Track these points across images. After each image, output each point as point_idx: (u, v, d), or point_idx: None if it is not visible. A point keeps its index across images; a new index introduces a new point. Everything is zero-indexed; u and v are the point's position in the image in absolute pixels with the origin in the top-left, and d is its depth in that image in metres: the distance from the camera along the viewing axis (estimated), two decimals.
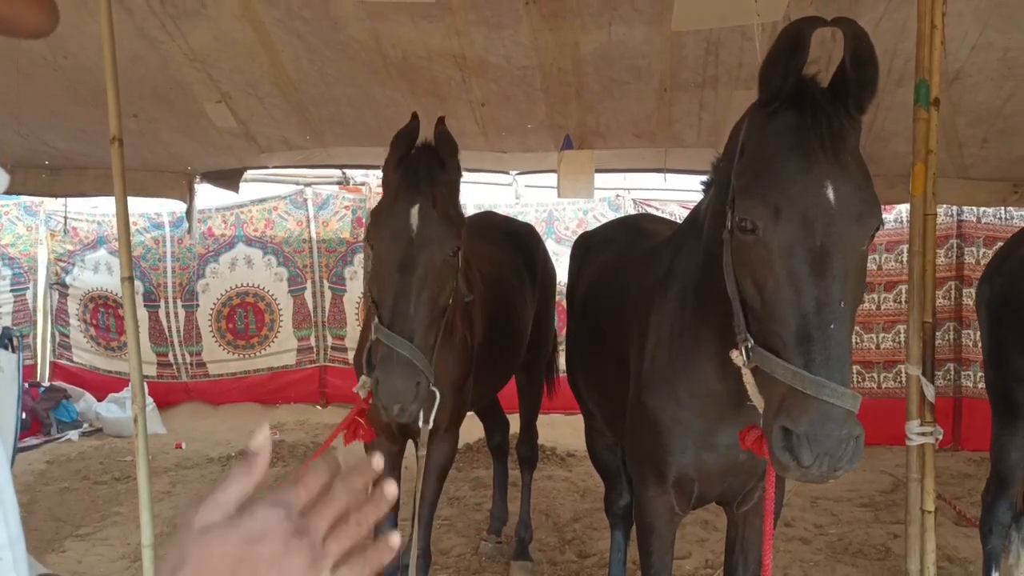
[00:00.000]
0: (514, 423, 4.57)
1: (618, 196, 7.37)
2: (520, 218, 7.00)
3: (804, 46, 1.54)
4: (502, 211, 6.97)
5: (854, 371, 6.63)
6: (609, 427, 3.01)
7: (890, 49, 3.73)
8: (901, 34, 3.66)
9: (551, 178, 5.70)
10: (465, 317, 3.13)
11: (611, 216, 6.98)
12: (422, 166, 2.55)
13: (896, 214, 6.45)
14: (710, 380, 2.04)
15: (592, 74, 4.56)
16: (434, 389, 2.59)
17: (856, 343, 6.64)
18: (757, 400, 1.62)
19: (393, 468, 3.20)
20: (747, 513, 2.32)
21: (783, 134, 1.58)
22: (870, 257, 6.51)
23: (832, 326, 1.48)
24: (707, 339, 2.01)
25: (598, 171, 5.46)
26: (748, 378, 1.63)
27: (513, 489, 4.53)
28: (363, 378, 2.76)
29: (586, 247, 3.51)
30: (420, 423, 2.69)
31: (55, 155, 5.74)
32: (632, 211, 7.12)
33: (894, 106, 4.10)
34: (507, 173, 6.06)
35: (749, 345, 1.59)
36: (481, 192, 6.92)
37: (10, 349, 0.72)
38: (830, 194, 1.52)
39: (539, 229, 6.75)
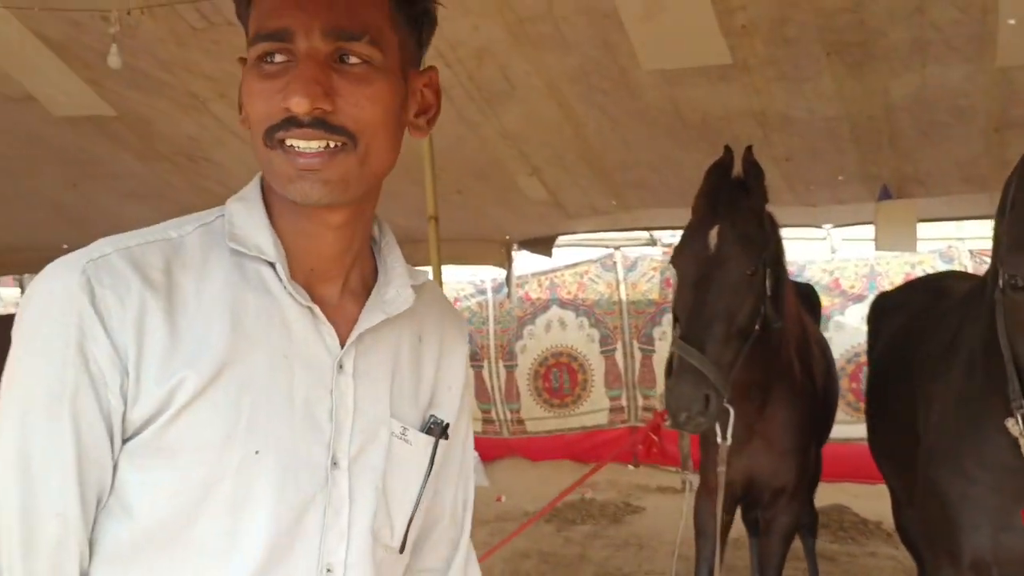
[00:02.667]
0: None
1: (950, 247, 6.74)
2: (836, 274, 6.69)
3: None
4: (817, 266, 6.70)
5: None
6: (906, 501, 2.78)
7: None
8: None
9: (871, 230, 5.39)
10: (806, 372, 3.14)
11: (943, 269, 6.41)
12: (725, 192, 2.70)
13: None
14: (1003, 453, 1.84)
15: (906, 119, 4.29)
16: (728, 406, 2.60)
17: None
18: None
19: (722, 538, 3.22)
20: None
21: None
22: None
23: None
24: (998, 408, 1.81)
25: (923, 221, 5.09)
26: None
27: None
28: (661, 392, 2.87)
29: (882, 310, 3.31)
30: (718, 439, 2.74)
31: (397, 230, 6.45)
32: (967, 262, 6.47)
33: None
34: (819, 227, 5.82)
35: None
36: (793, 248, 6.67)
37: (435, 435, 0.93)
38: None
39: (860, 285, 6.40)
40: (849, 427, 5.16)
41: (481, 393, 8.11)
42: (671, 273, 7.23)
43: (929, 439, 2.13)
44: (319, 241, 1.00)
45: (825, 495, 5.94)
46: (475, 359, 8.07)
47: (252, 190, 1.01)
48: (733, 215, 2.62)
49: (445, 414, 1.11)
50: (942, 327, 2.26)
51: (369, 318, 1.02)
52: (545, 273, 7.84)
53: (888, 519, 5.67)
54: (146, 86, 4.89)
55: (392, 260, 1.10)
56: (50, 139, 5.54)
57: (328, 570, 0.97)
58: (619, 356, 7.69)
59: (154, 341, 0.88)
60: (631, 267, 7.63)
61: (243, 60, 0.96)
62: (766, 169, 4.84)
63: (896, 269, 6.72)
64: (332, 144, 0.91)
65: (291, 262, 0.97)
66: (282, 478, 0.93)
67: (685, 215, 3.04)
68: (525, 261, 7.01)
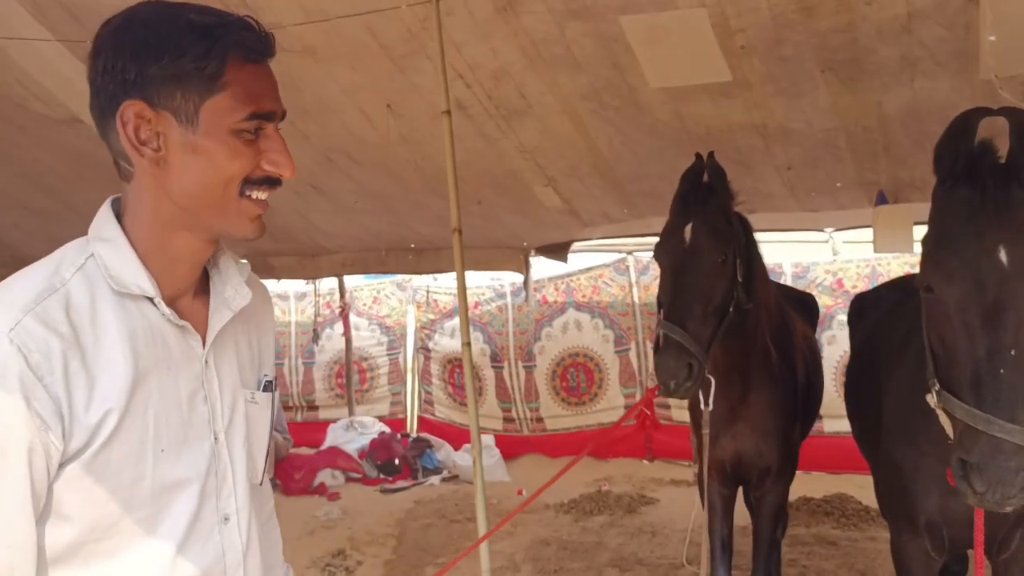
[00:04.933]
0: None
1: None
2: (840, 274, 6.94)
3: (971, 133, 1.71)
4: (820, 268, 6.96)
5: None
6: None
7: None
8: None
9: (871, 233, 5.65)
10: (786, 361, 3.46)
11: None
12: (695, 193, 3.03)
13: None
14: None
15: (900, 130, 4.55)
16: (709, 377, 2.96)
17: None
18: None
19: (726, 511, 3.54)
20: (1007, 561, 2.30)
21: (957, 206, 1.75)
22: None
23: (1002, 371, 1.66)
24: None
25: (921, 224, 5.31)
26: (943, 418, 1.78)
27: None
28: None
29: (859, 309, 3.60)
30: (702, 406, 3.11)
31: (419, 239, 6.80)
32: None
33: None
34: (821, 231, 6.09)
35: (936, 388, 1.75)
36: (796, 250, 6.93)
37: (269, 390, 1.19)
38: (1002, 257, 1.69)
39: (862, 285, 6.64)
40: None
41: (502, 393, 8.40)
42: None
43: (888, 418, 2.44)
44: (190, 266, 1.21)
45: (831, 485, 6.22)
46: (495, 360, 8.36)
47: (112, 230, 1.16)
48: (703, 212, 2.95)
49: (269, 370, 1.38)
50: (903, 321, 2.58)
51: (219, 318, 1.25)
52: (561, 277, 8.12)
53: None
54: None
55: (224, 261, 1.29)
56: (96, 157, 5.90)
57: (226, 519, 1.23)
58: (633, 355, 7.95)
59: (78, 386, 1.06)
60: (643, 270, 7.89)
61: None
62: (769, 178, 5.17)
63: (897, 269, 6.95)
64: None
65: (160, 289, 1.16)
66: (184, 462, 1.17)
67: None
68: (542, 266, 7.32)
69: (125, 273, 1.13)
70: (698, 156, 3.19)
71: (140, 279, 1.14)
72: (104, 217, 1.18)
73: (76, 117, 5.41)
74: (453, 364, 8.59)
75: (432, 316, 8.84)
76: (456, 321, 8.44)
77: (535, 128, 4.87)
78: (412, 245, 6.96)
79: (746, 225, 3.26)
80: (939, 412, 1.81)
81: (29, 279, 1.10)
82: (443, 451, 8.07)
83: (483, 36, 4.08)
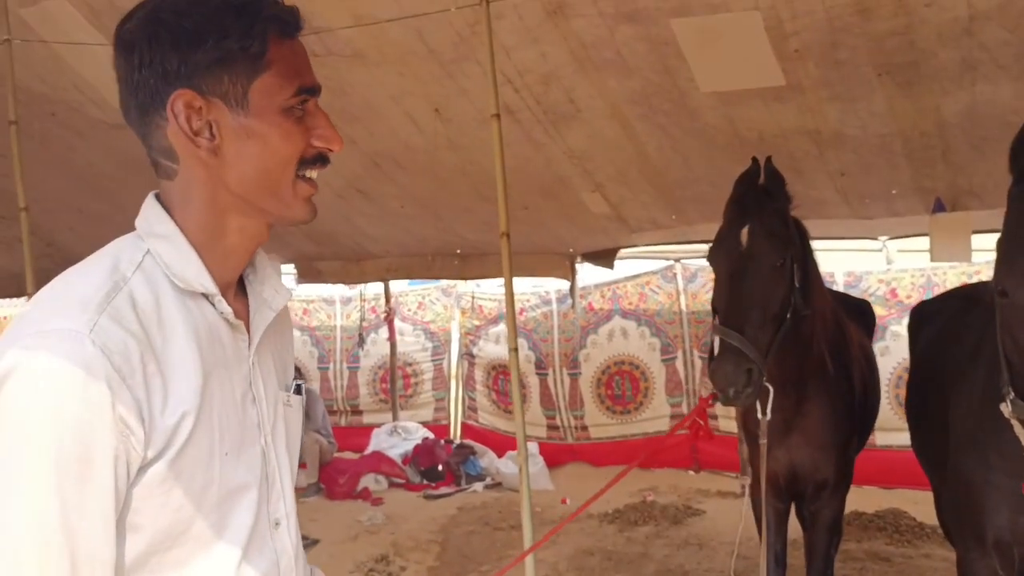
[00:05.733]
0: None
1: None
2: (894, 284, 6.79)
3: None
4: (874, 277, 6.81)
5: None
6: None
7: None
8: None
9: (927, 241, 5.51)
10: (842, 370, 3.35)
11: None
12: (752, 197, 2.98)
13: None
14: (1018, 443, 2.05)
15: (959, 135, 4.43)
16: (767, 385, 2.85)
17: None
18: None
19: (780, 525, 3.46)
20: None
21: None
22: None
23: None
24: None
25: (980, 232, 5.19)
26: (1018, 429, 1.69)
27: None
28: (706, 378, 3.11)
29: (920, 317, 3.49)
30: (759, 415, 3.00)
31: (464, 244, 6.79)
32: None
33: None
34: (875, 239, 5.95)
35: (1011, 397, 1.66)
36: (849, 258, 6.79)
37: (300, 393, 1.16)
38: None
39: (917, 295, 6.48)
40: (908, 435, 5.30)
41: (546, 400, 8.35)
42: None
43: (956, 431, 2.34)
44: (244, 254, 1.17)
45: (883, 500, 6.07)
46: (540, 367, 8.32)
47: (168, 227, 1.10)
48: (761, 215, 2.89)
49: (292, 373, 1.34)
50: (971, 331, 2.48)
51: (262, 317, 1.21)
52: (608, 284, 8.04)
53: None
54: None
55: (260, 260, 1.24)
56: (148, 162, 5.99)
57: (276, 523, 1.20)
58: (680, 364, 7.85)
59: (155, 388, 1.01)
60: (691, 278, 7.79)
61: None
62: (822, 184, 5.07)
63: (953, 279, 6.75)
64: None
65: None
66: (244, 466, 1.14)
67: None
68: (588, 273, 7.27)
69: (188, 270, 1.09)
70: (754, 160, 3.13)
71: (202, 277, 1.09)
72: (155, 212, 1.12)
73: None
74: (497, 370, 8.56)
75: (477, 322, 8.83)
76: (501, 327, 8.44)
77: (583, 133, 4.83)
78: (458, 251, 6.96)
79: (802, 230, 3.18)
80: (1014, 422, 1.73)
81: (91, 277, 1.04)
82: (486, 458, 8.04)
83: (532, 40, 4.05)
